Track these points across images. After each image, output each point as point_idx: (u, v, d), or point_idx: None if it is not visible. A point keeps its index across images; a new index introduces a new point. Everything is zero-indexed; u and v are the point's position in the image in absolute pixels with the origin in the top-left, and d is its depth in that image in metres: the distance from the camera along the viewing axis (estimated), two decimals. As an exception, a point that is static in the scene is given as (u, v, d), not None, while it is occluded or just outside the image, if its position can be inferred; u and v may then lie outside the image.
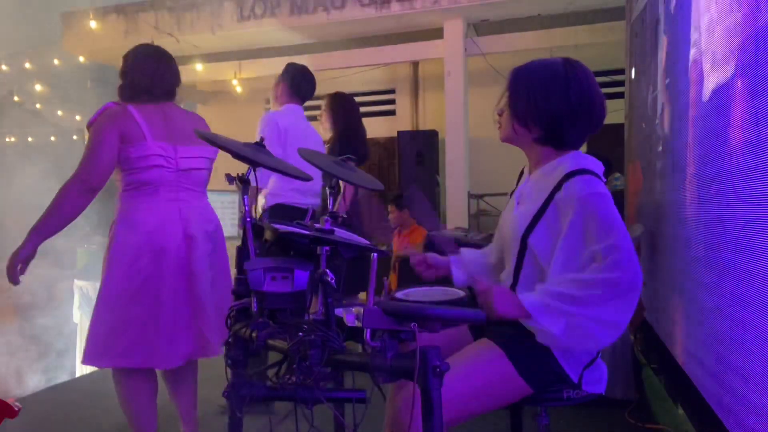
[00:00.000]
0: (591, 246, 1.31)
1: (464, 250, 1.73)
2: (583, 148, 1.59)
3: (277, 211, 2.86)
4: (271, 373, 1.29)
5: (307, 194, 2.99)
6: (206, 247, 2.14)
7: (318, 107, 3.54)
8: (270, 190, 2.94)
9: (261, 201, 2.98)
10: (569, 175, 1.38)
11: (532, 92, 1.43)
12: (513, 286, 1.50)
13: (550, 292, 1.31)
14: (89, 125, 2.09)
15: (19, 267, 1.99)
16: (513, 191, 1.63)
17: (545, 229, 1.41)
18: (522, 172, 1.64)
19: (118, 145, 2.03)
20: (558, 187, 1.39)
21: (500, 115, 1.53)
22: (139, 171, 2.07)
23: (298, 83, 3.10)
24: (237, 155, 1.47)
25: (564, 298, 1.29)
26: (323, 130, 3.41)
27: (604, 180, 1.43)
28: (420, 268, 1.70)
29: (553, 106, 1.41)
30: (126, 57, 2.20)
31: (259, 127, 2.92)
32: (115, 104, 2.12)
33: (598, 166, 1.43)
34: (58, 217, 2.02)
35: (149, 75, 2.15)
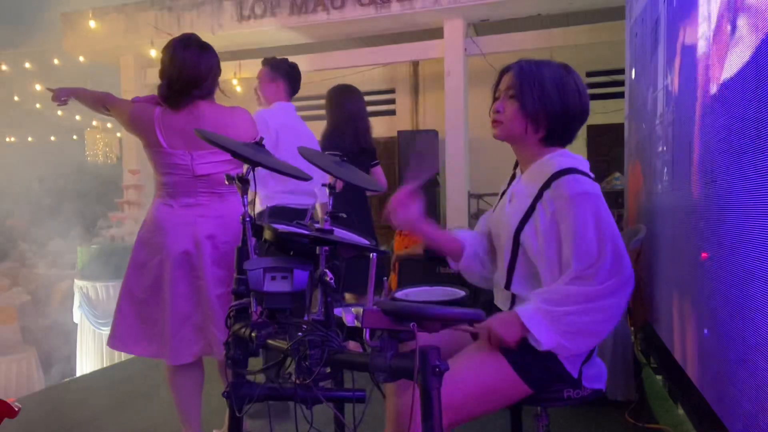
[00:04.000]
0: (577, 250, 1.34)
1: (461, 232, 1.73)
2: (583, 148, 1.59)
3: (273, 214, 2.83)
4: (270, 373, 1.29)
5: (300, 194, 2.95)
6: (221, 250, 2.17)
7: (314, 107, 3.56)
8: (262, 193, 2.89)
9: (257, 205, 2.95)
10: (558, 174, 1.39)
11: (545, 90, 1.43)
12: (507, 285, 1.50)
13: (546, 305, 1.34)
14: (133, 99, 2.22)
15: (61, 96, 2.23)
16: (504, 191, 1.62)
17: (535, 227, 1.42)
18: (514, 174, 1.63)
19: (124, 106, 2.18)
20: (547, 184, 1.40)
21: (500, 111, 1.49)
22: (161, 174, 2.17)
23: (294, 82, 3.02)
24: (236, 155, 1.47)
25: (556, 310, 1.33)
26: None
27: (592, 175, 1.44)
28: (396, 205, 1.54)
29: (567, 105, 1.44)
30: (165, 51, 2.13)
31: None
32: (153, 101, 2.15)
33: (583, 164, 1.46)
34: (88, 100, 2.23)
35: (187, 70, 2.07)
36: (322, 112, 3.52)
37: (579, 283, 1.33)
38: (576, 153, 1.51)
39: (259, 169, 1.54)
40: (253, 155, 1.49)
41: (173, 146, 2.10)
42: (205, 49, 2.12)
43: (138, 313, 2.16)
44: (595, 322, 1.33)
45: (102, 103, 2.20)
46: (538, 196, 1.42)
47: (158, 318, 2.14)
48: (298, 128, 3.00)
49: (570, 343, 1.33)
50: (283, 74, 2.99)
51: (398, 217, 1.51)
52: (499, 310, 1.53)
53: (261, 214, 2.87)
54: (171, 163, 2.11)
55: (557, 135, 1.47)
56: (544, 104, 1.43)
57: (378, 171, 3.49)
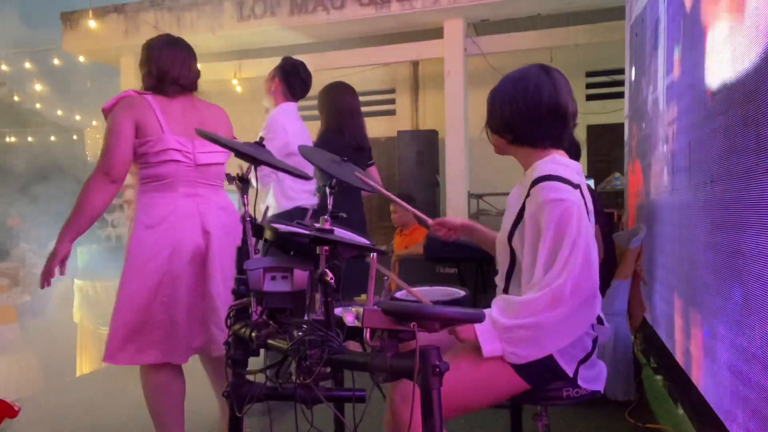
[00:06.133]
0: (542, 254, 1.36)
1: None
2: (583, 148, 1.60)
3: (296, 215, 2.75)
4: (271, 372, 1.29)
5: (313, 194, 2.96)
6: (225, 242, 2.10)
7: (314, 107, 3.44)
8: (282, 193, 2.87)
9: (270, 201, 2.93)
10: (535, 182, 1.42)
11: (498, 104, 1.53)
12: (505, 289, 1.53)
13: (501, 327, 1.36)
14: (105, 111, 2.06)
15: (57, 269, 1.99)
16: None
17: (521, 233, 1.46)
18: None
19: (133, 135, 2.01)
20: (528, 193, 1.44)
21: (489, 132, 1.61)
22: (156, 165, 2.04)
23: (291, 81, 3.00)
24: (238, 153, 1.47)
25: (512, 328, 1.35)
26: None
27: (576, 182, 1.43)
28: (436, 228, 1.77)
29: (512, 110, 1.50)
30: (150, 46, 2.16)
31: (266, 129, 2.85)
32: (135, 92, 2.09)
33: (571, 170, 1.46)
34: (86, 212, 1.99)
35: (177, 65, 2.12)
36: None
37: (537, 292, 1.34)
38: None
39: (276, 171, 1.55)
40: (257, 154, 1.49)
41: (174, 131, 2.05)
42: (190, 48, 2.21)
43: (142, 318, 2.02)
44: (545, 334, 1.34)
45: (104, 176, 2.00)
46: (523, 205, 1.45)
47: (164, 319, 2.02)
48: (301, 130, 3.00)
49: (515, 350, 1.35)
50: (279, 71, 3.00)
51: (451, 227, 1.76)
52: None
53: (281, 215, 2.82)
54: (171, 149, 2.03)
55: (524, 137, 1.51)
56: (498, 117, 1.53)
57: (373, 171, 3.44)
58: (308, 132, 3.09)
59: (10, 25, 7.48)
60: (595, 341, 1.47)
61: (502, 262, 1.56)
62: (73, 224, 1.99)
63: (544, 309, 1.32)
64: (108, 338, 2.04)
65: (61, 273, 2.02)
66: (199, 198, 2.11)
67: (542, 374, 1.41)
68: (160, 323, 2.03)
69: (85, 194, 1.98)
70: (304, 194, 2.87)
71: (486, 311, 1.37)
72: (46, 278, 2.00)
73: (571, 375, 1.42)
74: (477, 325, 1.35)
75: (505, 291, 1.52)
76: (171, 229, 2.03)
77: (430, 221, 1.78)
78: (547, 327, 1.33)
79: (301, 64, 3.05)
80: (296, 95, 3.03)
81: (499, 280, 1.56)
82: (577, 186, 1.42)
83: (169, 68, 2.09)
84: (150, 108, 2.04)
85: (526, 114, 1.48)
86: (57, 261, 1.98)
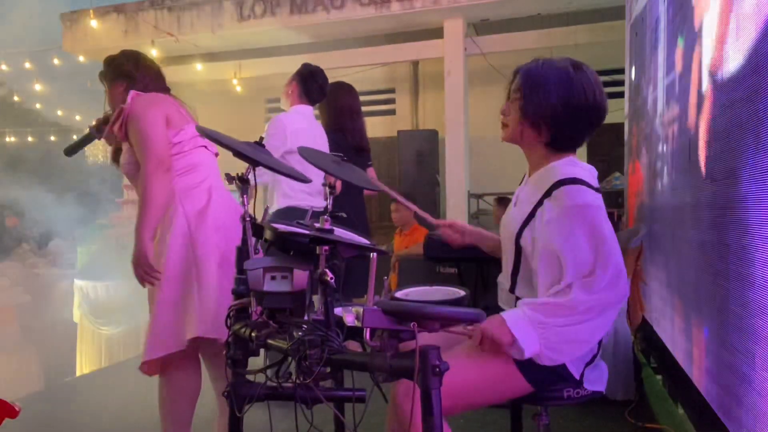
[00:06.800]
0: (571, 262, 1.33)
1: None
2: (583, 148, 1.58)
3: (289, 214, 2.81)
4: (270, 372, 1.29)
5: (316, 195, 2.96)
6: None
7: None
8: (281, 191, 2.90)
9: (271, 200, 2.97)
10: (559, 183, 1.38)
11: (545, 95, 1.40)
12: (512, 288, 1.51)
13: (531, 319, 1.33)
14: (129, 114, 2.07)
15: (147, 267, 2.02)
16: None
17: (534, 233, 1.42)
18: (524, 177, 1.63)
19: (166, 126, 2.06)
20: (548, 193, 1.40)
21: (505, 114, 1.50)
22: (191, 152, 2.09)
23: (308, 86, 3.07)
24: (236, 153, 1.47)
25: (542, 323, 1.32)
26: None
27: (596, 186, 1.43)
28: (446, 231, 1.70)
29: (567, 109, 1.40)
30: (127, 60, 2.23)
31: (267, 127, 2.91)
32: (138, 94, 2.13)
33: (590, 174, 1.44)
34: (155, 206, 2.02)
35: (156, 73, 2.24)
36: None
37: (572, 293, 1.31)
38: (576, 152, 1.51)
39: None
40: (253, 154, 1.49)
41: (191, 122, 2.13)
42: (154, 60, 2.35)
43: (218, 294, 2.02)
44: (580, 333, 1.32)
45: (156, 169, 2.01)
46: (539, 203, 1.42)
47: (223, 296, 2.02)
48: (314, 131, 3.03)
49: (551, 353, 1.32)
50: (297, 75, 3.06)
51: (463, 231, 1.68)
52: (502, 310, 1.53)
53: (276, 212, 2.87)
54: (198, 136, 2.10)
55: (561, 140, 1.45)
56: (545, 109, 1.40)
57: (371, 172, 3.45)
58: (321, 134, 3.10)
59: (51, 20, 7.47)
60: (599, 343, 1.46)
61: (507, 261, 1.53)
62: (148, 222, 2.02)
63: (593, 309, 1.30)
64: (157, 328, 2.01)
65: (155, 270, 2.05)
66: (222, 182, 2.17)
67: (548, 377, 1.40)
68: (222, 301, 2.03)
69: (150, 190, 2.01)
70: (302, 194, 2.87)
71: (520, 311, 1.33)
72: (148, 278, 2.02)
73: (578, 378, 1.41)
74: (512, 329, 1.30)
75: (512, 290, 1.50)
76: (218, 210, 2.10)
77: (438, 222, 1.72)
78: (585, 330, 1.32)
79: (319, 70, 3.11)
80: (312, 99, 3.08)
81: (504, 279, 1.54)
82: (598, 190, 1.42)
83: (153, 76, 2.21)
84: (170, 101, 2.14)
85: (576, 116, 1.41)
86: (150, 258, 2.02)
